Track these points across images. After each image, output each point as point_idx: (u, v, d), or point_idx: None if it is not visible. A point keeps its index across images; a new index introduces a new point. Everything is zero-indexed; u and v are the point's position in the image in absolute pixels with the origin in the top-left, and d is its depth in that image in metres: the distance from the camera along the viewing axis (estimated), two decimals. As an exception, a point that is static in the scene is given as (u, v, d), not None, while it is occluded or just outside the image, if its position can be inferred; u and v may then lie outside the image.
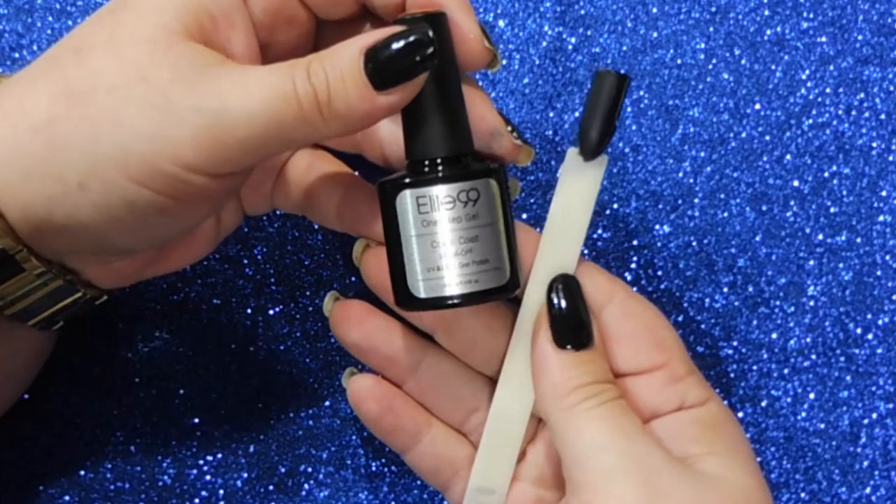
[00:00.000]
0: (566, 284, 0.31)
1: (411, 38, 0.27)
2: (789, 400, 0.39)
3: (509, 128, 0.31)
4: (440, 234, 0.28)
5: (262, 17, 0.29)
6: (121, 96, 0.26)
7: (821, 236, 0.39)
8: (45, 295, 0.30)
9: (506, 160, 0.31)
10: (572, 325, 0.31)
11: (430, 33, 0.27)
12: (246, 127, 0.26)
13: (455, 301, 0.29)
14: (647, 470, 0.28)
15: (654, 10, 0.39)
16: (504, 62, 0.39)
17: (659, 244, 0.39)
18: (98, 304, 0.33)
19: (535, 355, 0.31)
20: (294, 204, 0.34)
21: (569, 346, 0.30)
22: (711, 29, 0.39)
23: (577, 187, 0.31)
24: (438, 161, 0.29)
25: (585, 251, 0.38)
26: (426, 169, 0.29)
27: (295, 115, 0.26)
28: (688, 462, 0.30)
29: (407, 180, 0.29)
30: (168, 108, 0.26)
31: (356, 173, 0.34)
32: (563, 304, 0.31)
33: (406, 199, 0.29)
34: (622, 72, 0.30)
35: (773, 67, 0.39)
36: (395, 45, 0.27)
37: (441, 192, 0.28)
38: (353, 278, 0.38)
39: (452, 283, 0.29)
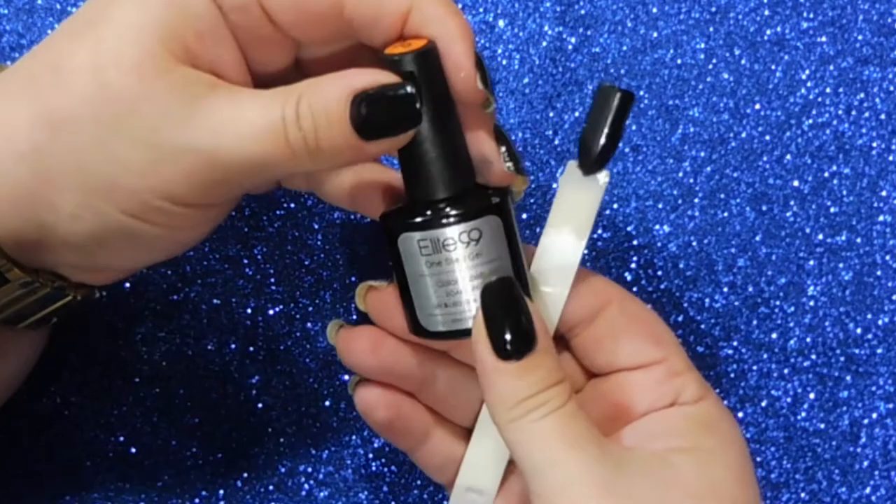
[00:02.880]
0: (500, 289, 0.29)
1: (399, 93, 0.26)
2: (789, 400, 0.39)
3: (503, 148, 0.30)
4: (446, 274, 0.28)
5: (237, 35, 0.28)
6: (108, 128, 0.25)
7: (821, 236, 0.39)
8: (34, 301, 0.29)
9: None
10: (511, 333, 0.28)
11: (412, 90, 0.26)
12: (237, 165, 0.26)
13: (466, 334, 0.29)
14: (604, 477, 0.27)
15: (654, 10, 0.39)
16: (504, 62, 0.39)
17: (659, 244, 0.39)
18: (95, 301, 0.32)
19: (478, 368, 0.29)
20: (301, 182, 0.34)
21: (511, 355, 0.28)
22: (711, 29, 0.39)
23: (576, 203, 0.31)
24: (440, 201, 0.28)
25: (585, 251, 0.38)
26: (427, 211, 0.28)
27: (285, 155, 0.26)
28: (664, 455, 0.29)
29: (408, 221, 0.28)
30: (159, 146, 0.25)
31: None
32: (498, 312, 0.28)
33: (409, 242, 0.28)
34: (624, 88, 0.29)
35: (773, 67, 0.39)
36: (382, 100, 0.26)
37: (443, 236, 0.28)
38: (354, 278, 0.38)
39: (461, 317, 0.29)
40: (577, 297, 0.32)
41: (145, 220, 0.26)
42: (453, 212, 0.28)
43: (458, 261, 0.28)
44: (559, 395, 0.28)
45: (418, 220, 0.28)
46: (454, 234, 0.28)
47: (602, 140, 0.29)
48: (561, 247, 0.31)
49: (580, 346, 0.33)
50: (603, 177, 0.30)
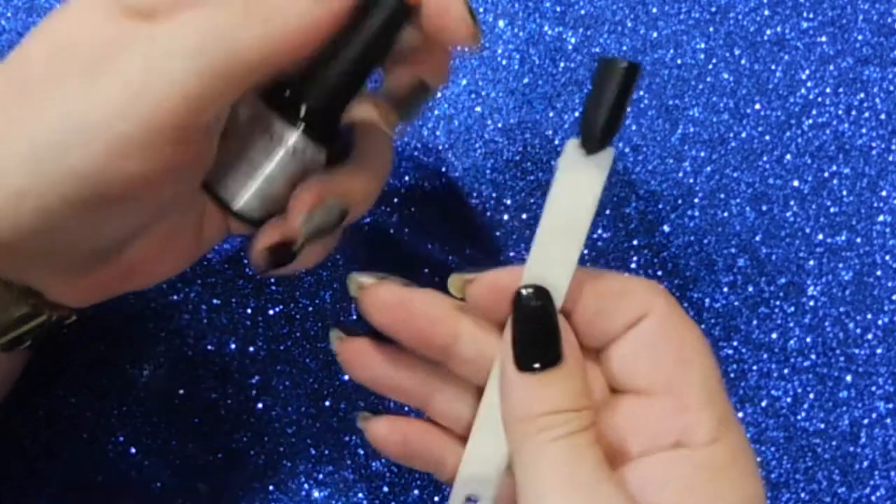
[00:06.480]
0: (534, 299, 0.28)
1: None
2: (789, 400, 0.39)
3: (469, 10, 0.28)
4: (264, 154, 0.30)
5: None
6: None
7: (821, 236, 0.39)
8: (4, 319, 0.28)
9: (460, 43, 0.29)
10: (536, 344, 0.27)
11: None
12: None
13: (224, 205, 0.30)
14: None
15: (654, 10, 0.39)
16: (504, 62, 0.39)
17: (659, 244, 0.39)
18: (69, 324, 0.31)
19: (500, 376, 0.28)
20: None
21: (536, 366, 0.27)
22: (711, 29, 0.39)
23: (578, 184, 0.28)
24: (304, 109, 0.29)
25: (585, 251, 0.38)
26: (290, 101, 0.29)
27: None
28: None
29: (274, 99, 0.29)
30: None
31: None
32: (527, 322, 0.28)
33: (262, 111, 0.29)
34: (632, 61, 0.27)
35: (773, 67, 0.39)
36: None
37: (279, 127, 0.29)
38: (353, 278, 0.38)
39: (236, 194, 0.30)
40: (611, 312, 0.29)
41: (107, 170, 0.24)
42: (299, 118, 0.29)
43: (278, 154, 0.29)
44: (577, 419, 0.27)
45: (277, 101, 0.29)
46: (291, 137, 0.29)
47: (605, 114, 0.26)
48: (560, 236, 0.28)
49: (604, 359, 0.30)
50: (607, 156, 0.27)
